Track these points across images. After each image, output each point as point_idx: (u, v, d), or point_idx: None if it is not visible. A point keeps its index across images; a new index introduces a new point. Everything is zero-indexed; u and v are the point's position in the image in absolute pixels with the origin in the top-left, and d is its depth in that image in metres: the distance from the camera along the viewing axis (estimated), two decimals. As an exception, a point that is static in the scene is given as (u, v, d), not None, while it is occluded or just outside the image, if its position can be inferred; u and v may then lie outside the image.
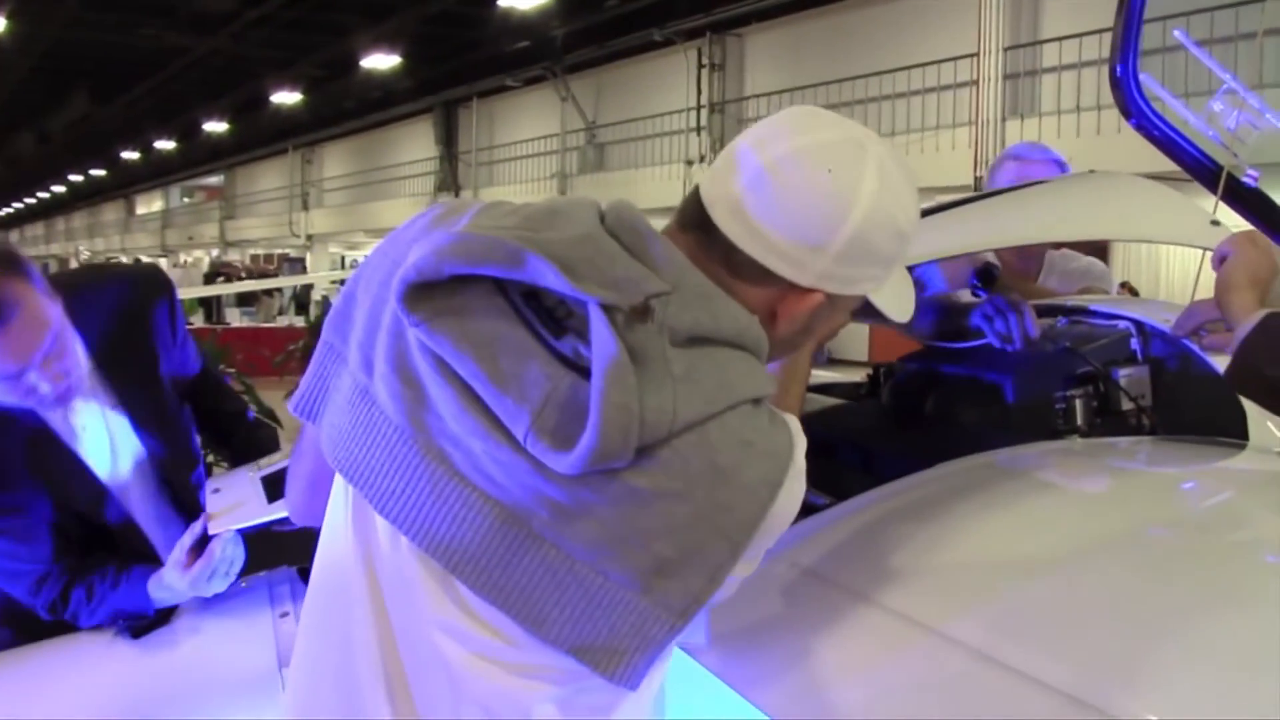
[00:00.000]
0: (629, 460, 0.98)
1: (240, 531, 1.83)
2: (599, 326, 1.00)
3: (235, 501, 1.86)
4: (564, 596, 1.02)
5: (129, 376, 2.02)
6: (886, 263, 1.13)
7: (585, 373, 1.00)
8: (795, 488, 1.06)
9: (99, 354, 1.97)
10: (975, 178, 13.33)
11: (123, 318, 2.03)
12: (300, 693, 1.22)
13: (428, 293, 1.02)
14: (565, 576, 1.02)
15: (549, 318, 1.03)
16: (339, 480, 1.17)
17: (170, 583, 1.83)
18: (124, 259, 37.45)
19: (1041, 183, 2.39)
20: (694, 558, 1.02)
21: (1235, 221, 2.02)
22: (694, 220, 1.11)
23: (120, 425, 2.00)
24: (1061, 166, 2.76)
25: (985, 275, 2.17)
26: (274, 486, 1.82)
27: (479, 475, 1.03)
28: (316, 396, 1.18)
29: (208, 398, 2.29)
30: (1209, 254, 1.70)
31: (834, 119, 1.13)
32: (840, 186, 1.07)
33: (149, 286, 2.11)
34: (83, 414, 1.96)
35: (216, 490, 1.91)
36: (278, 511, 1.78)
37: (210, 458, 2.63)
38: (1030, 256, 2.77)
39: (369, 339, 1.10)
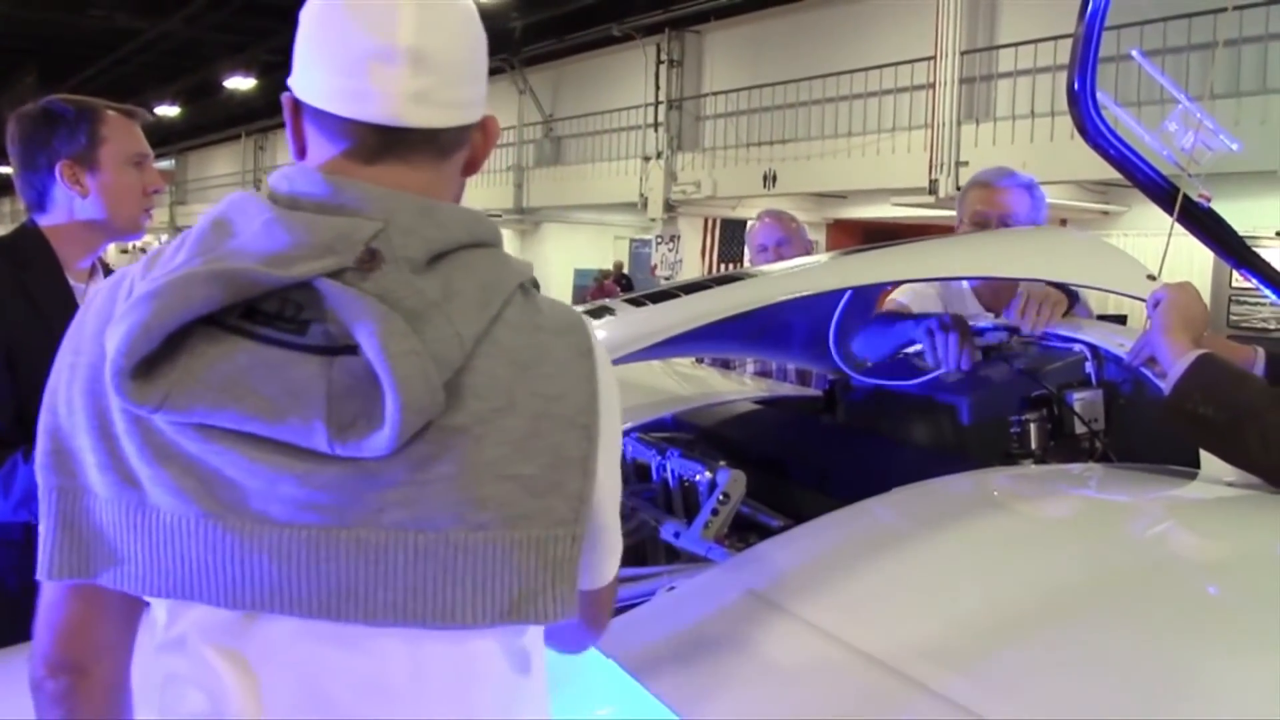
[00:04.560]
0: (441, 406, 0.93)
1: None
2: (337, 295, 0.93)
3: None
4: (456, 574, 0.95)
5: None
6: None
7: (349, 350, 0.94)
8: (604, 352, 1.05)
9: None
10: (930, 180, 13.41)
11: None
12: None
13: (145, 374, 0.93)
14: (445, 554, 0.95)
15: (281, 322, 0.95)
16: (164, 612, 1.04)
17: None
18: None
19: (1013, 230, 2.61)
20: (556, 461, 0.97)
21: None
22: (381, 146, 1.02)
23: None
24: (1031, 190, 2.77)
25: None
26: None
27: (306, 514, 0.95)
28: (73, 550, 1.01)
29: None
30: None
31: None
32: (469, 20, 1.06)
33: None
34: None
35: None
36: None
37: None
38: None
39: (108, 456, 0.98)
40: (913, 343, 2.35)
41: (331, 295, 0.94)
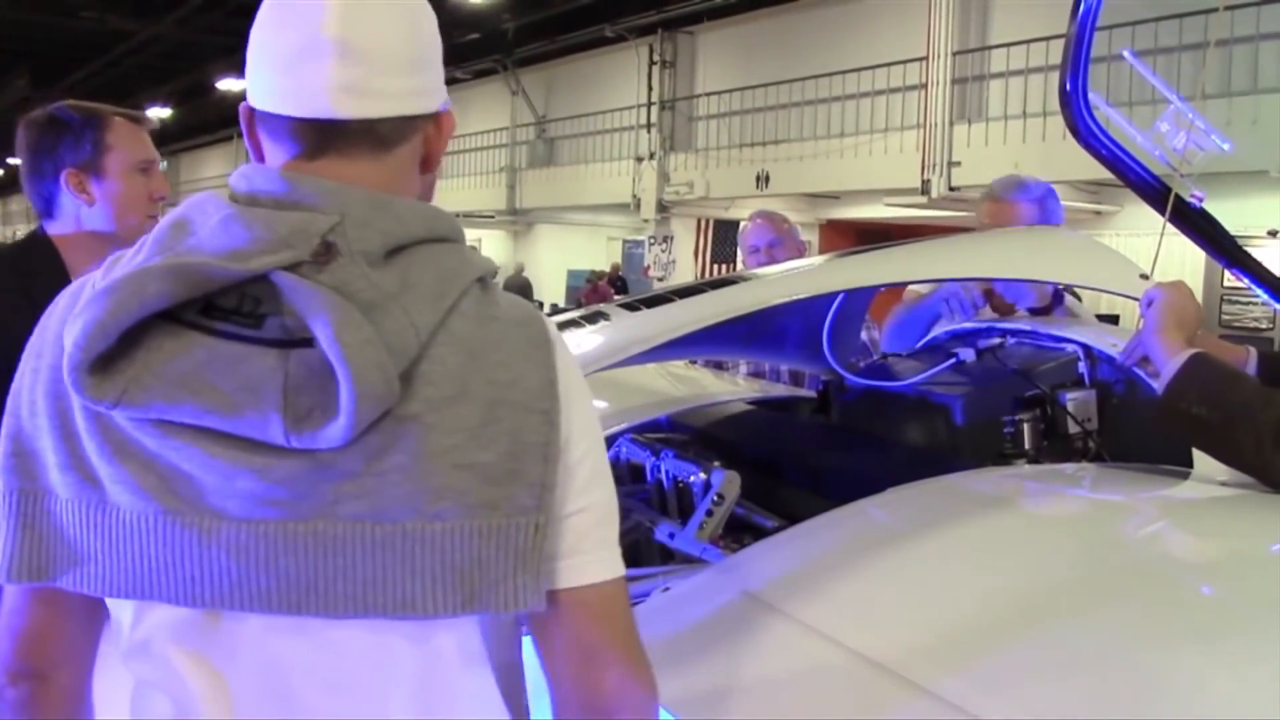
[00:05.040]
0: (396, 395, 0.93)
1: None
2: (293, 287, 0.93)
3: None
4: (415, 564, 0.95)
5: None
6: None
7: (306, 343, 0.94)
8: (564, 345, 1.04)
9: None
10: (922, 180, 13.43)
11: None
12: None
13: (104, 370, 0.93)
14: (403, 545, 0.95)
15: (239, 316, 0.96)
16: (128, 616, 1.05)
17: None
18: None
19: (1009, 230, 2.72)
20: (515, 449, 0.97)
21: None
22: (321, 141, 1.03)
23: None
24: (1042, 203, 2.83)
25: None
26: None
27: (264, 509, 0.95)
28: (33, 552, 1.01)
29: None
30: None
31: None
32: (404, 8, 1.05)
33: None
34: None
35: None
36: None
37: None
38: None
39: (69, 456, 0.99)
40: (938, 315, 2.55)
41: (288, 288, 0.94)
